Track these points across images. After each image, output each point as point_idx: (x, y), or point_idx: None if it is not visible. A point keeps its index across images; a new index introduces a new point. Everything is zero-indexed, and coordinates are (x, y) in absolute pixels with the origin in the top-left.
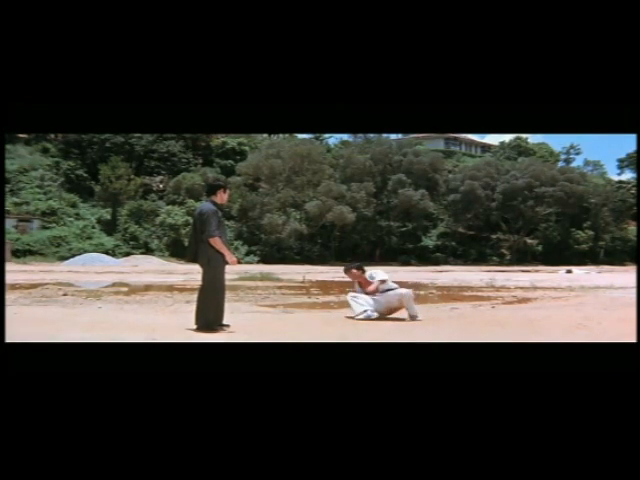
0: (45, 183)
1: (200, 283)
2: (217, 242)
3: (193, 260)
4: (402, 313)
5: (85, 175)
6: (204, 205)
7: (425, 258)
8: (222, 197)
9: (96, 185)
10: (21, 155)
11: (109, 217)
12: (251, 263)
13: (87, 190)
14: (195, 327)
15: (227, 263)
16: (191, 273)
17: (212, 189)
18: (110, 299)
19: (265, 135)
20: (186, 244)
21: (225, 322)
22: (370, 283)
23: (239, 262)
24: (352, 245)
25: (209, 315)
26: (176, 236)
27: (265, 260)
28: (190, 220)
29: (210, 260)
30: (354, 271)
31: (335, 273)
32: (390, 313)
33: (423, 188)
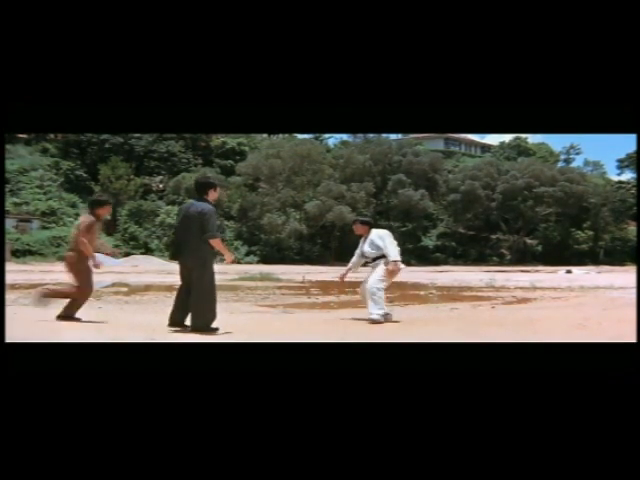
0: (45, 183)
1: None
2: (218, 243)
3: (177, 258)
4: (397, 312)
5: (85, 175)
6: (203, 205)
7: (425, 258)
8: (214, 196)
9: (96, 185)
10: (21, 155)
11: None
12: (251, 263)
13: (87, 190)
14: (190, 329)
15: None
16: None
17: (203, 187)
18: (110, 299)
19: (265, 135)
20: None
21: (218, 324)
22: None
23: (238, 262)
24: (352, 245)
25: (208, 316)
26: None
27: (265, 260)
28: None
29: (207, 261)
30: (359, 225)
31: (335, 273)
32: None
33: (423, 188)
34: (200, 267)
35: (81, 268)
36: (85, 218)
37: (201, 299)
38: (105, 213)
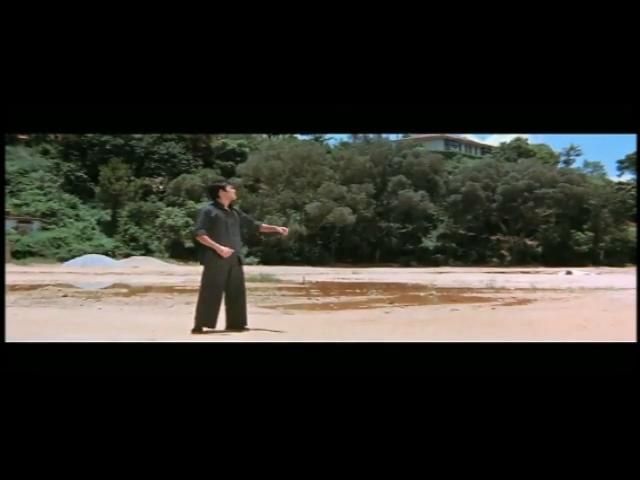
0: (45, 184)
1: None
2: (204, 239)
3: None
4: (397, 313)
5: (85, 176)
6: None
7: (425, 259)
8: (226, 195)
9: (96, 186)
10: (21, 156)
11: (109, 218)
12: (251, 264)
13: (87, 191)
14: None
15: (222, 259)
16: (190, 274)
17: (213, 191)
18: (110, 300)
19: (265, 136)
20: (186, 245)
21: (219, 325)
22: None
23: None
24: (352, 246)
25: (201, 314)
26: (176, 237)
27: (265, 261)
28: (190, 221)
29: (204, 259)
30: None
31: (335, 274)
32: None
33: (423, 189)
34: (202, 265)
35: None
36: None
37: (199, 297)
38: None
